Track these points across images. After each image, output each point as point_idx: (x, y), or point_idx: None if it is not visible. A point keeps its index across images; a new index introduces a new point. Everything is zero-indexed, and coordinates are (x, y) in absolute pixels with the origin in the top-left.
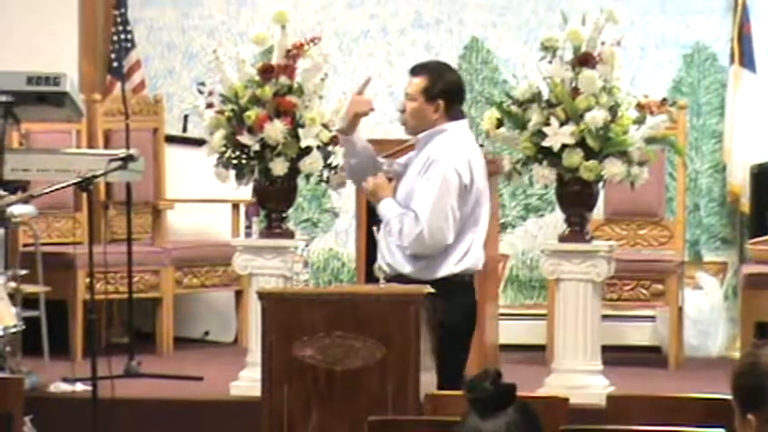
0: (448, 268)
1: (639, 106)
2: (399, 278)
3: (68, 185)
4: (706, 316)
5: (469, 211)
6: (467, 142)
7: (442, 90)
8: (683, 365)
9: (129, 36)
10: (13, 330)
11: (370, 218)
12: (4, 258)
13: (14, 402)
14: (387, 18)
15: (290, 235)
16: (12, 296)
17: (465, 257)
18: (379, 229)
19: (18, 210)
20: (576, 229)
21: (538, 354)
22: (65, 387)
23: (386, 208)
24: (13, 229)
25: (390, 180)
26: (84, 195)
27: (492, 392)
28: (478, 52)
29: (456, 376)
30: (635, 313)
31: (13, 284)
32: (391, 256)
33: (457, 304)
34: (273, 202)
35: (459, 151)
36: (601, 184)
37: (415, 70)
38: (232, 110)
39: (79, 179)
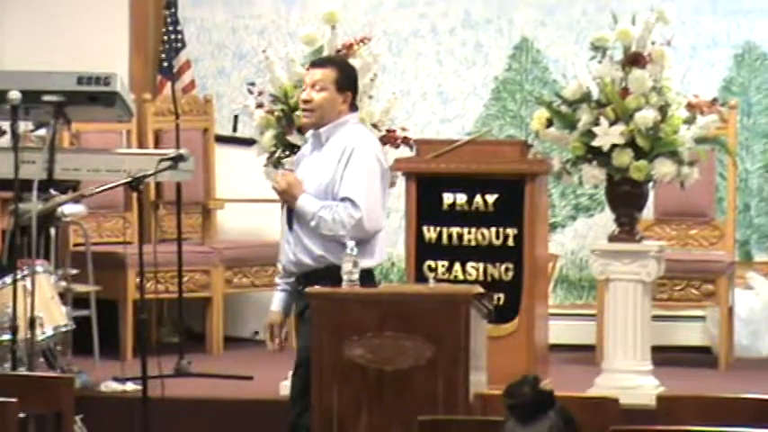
0: (374, 259)
1: (690, 106)
2: (318, 272)
3: (119, 185)
4: (756, 316)
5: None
6: (369, 132)
7: (351, 82)
8: (733, 366)
9: (179, 36)
10: (64, 330)
11: (289, 215)
12: (55, 258)
13: (65, 401)
14: (436, 18)
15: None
16: (62, 295)
17: (382, 249)
18: (291, 226)
19: (69, 209)
20: (626, 229)
21: (587, 354)
22: (115, 386)
23: (307, 203)
24: (64, 228)
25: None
26: (135, 195)
27: (530, 398)
28: (528, 52)
29: None
30: (685, 313)
31: (63, 284)
32: (306, 251)
33: None
34: None
35: (373, 139)
36: (651, 184)
37: (322, 62)
38: (282, 110)
39: (129, 179)
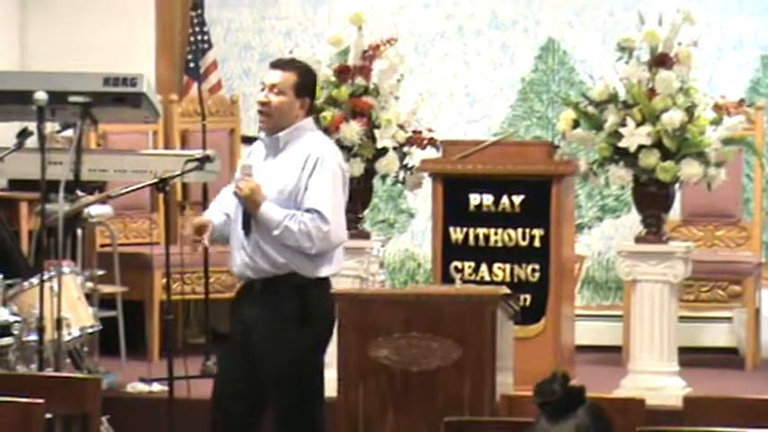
0: (332, 266)
1: (716, 107)
2: (278, 278)
3: (145, 186)
4: None
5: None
6: (328, 138)
7: (310, 88)
8: (760, 367)
9: (205, 37)
10: (91, 330)
11: (246, 220)
12: (82, 259)
13: (92, 402)
14: (463, 19)
15: (366, 236)
16: (89, 296)
17: (340, 257)
18: (248, 232)
19: (95, 210)
20: (653, 230)
21: (614, 355)
22: (141, 387)
23: (271, 211)
24: (91, 229)
25: None
26: (161, 196)
27: (560, 395)
28: (555, 53)
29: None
30: (712, 315)
31: (90, 285)
32: (266, 258)
33: (330, 304)
34: (349, 202)
35: (334, 147)
36: (677, 185)
37: (282, 65)
38: None
39: (156, 180)
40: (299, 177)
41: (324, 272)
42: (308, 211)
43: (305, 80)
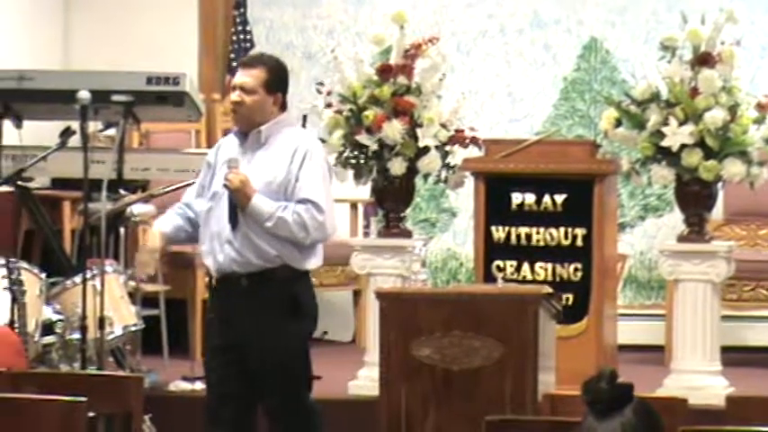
0: (318, 259)
1: (759, 106)
2: (267, 272)
3: (188, 185)
4: None
5: None
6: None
7: (282, 82)
8: None
9: (248, 36)
10: (134, 329)
11: (232, 214)
12: (124, 257)
13: (134, 401)
14: (505, 18)
15: (408, 235)
16: (132, 295)
17: (321, 251)
18: (236, 225)
19: (138, 209)
20: (695, 229)
21: (656, 354)
22: (184, 386)
23: (262, 203)
24: (133, 228)
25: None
26: None
27: (607, 393)
28: (597, 52)
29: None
30: (754, 314)
31: (132, 283)
32: (258, 251)
33: (314, 296)
34: (391, 201)
35: (318, 140)
36: (720, 185)
37: (250, 63)
38: (350, 110)
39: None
40: (289, 170)
41: (312, 264)
42: (301, 201)
43: (274, 76)
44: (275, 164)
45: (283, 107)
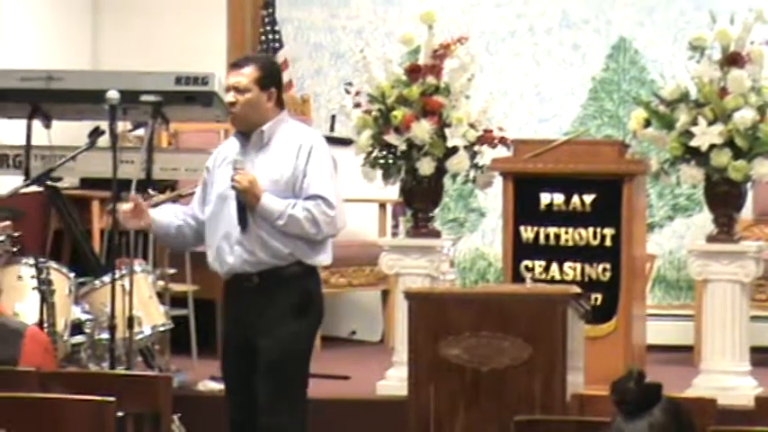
0: (329, 255)
1: None
2: (279, 269)
3: None
4: None
5: None
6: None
7: (274, 78)
8: None
9: (277, 36)
10: (162, 329)
11: (242, 215)
12: (153, 257)
13: (163, 401)
14: (534, 18)
15: (437, 234)
16: (160, 295)
17: (331, 246)
18: (246, 226)
19: None
20: (724, 229)
21: (685, 354)
22: (213, 385)
23: (271, 202)
24: None
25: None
26: None
27: (636, 393)
28: (626, 52)
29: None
30: None
31: (161, 283)
32: (270, 250)
33: (322, 294)
34: (420, 201)
35: (320, 135)
36: (749, 184)
37: (241, 63)
38: (379, 110)
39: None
40: (295, 166)
41: (325, 259)
42: (310, 197)
43: (265, 72)
44: (281, 162)
45: (280, 104)
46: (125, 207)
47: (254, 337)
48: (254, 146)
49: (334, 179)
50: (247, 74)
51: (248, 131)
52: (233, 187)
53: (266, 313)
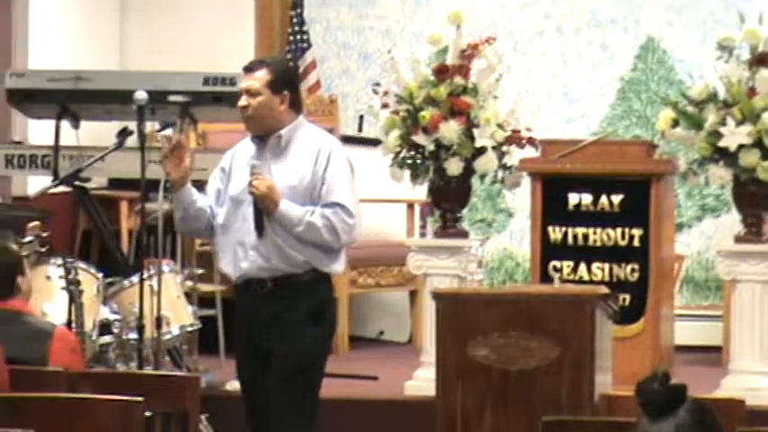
0: (343, 263)
1: None
2: (294, 276)
3: None
4: None
5: None
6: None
7: (287, 81)
8: None
9: (305, 36)
10: (190, 329)
11: (258, 221)
12: (181, 257)
13: (191, 401)
14: (561, 18)
15: (465, 235)
16: (188, 295)
17: (344, 254)
18: (262, 232)
19: None
20: (753, 229)
21: (714, 355)
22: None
23: (291, 207)
24: None
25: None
26: None
27: (661, 394)
28: (654, 52)
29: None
30: None
31: (189, 283)
32: (286, 257)
33: (335, 303)
34: (448, 201)
35: (337, 140)
36: None
37: (252, 67)
38: (407, 110)
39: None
40: (314, 172)
41: (339, 267)
42: (329, 205)
43: (278, 75)
44: (299, 167)
45: (296, 107)
46: (166, 144)
47: (268, 345)
48: (271, 150)
49: (353, 186)
50: (259, 77)
51: (262, 135)
52: (251, 193)
53: (280, 320)
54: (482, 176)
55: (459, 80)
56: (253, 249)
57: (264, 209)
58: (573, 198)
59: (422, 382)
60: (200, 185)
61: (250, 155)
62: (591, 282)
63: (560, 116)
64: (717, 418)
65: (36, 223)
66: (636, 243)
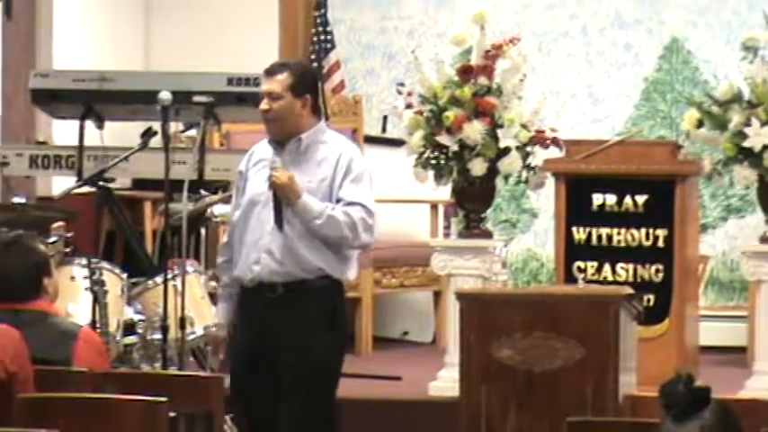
0: (356, 269)
1: None
2: (306, 282)
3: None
4: None
5: None
6: None
7: (308, 84)
8: None
9: (328, 37)
10: (214, 329)
11: (278, 215)
12: (205, 258)
13: (215, 401)
14: (586, 18)
15: (489, 235)
16: (212, 296)
17: (356, 262)
18: (282, 225)
19: (219, 210)
20: None
21: (738, 356)
22: None
23: (312, 200)
24: (214, 228)
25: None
26: None
27: (685, 396)
28: (679, 52)
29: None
30: None
31: (213, 284)
32: (300, 262)
33: (346, 311)
34: (472, 202)
35: (357, 147)
36: None
37: (274, 70)
38: (431, 110)
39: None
40: (333, 177)
41: (352, 274)
42: (350, 203)
43: (299, 78)
44: (318, 171)
45: (316, 111)
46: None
47: (277, 351)
48: (290, 154)
49: (372, 193)
50: (281, 80)
51: (283, 139)
52: (271, 185)
53: (291, 327)
54: (506, 177)
55: (483, 80)
56: (266, 252)
57: (286, 200)
58: (597, 198)
59: (446, 382)
60: (225, 187)
61: (267, 157)
62: (615, 282)
63: (585, 116)
64: (740, 420)
65: (60, 223)
66: (660, 244)
